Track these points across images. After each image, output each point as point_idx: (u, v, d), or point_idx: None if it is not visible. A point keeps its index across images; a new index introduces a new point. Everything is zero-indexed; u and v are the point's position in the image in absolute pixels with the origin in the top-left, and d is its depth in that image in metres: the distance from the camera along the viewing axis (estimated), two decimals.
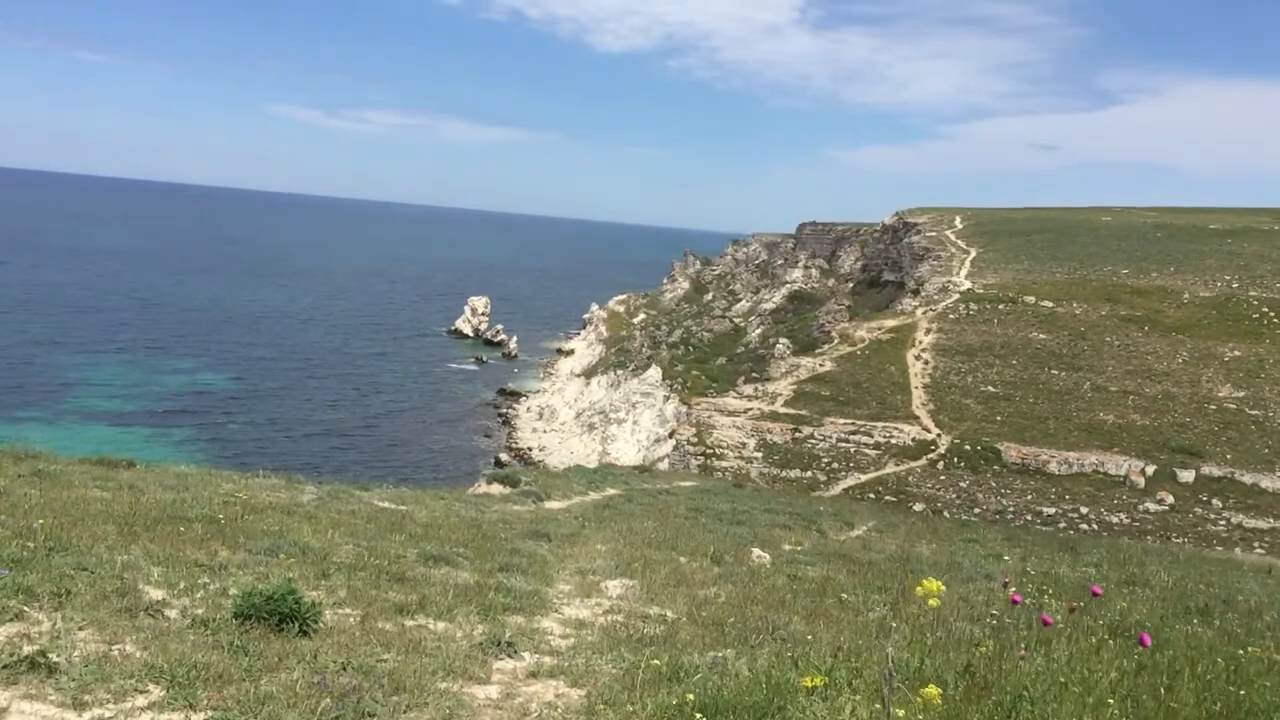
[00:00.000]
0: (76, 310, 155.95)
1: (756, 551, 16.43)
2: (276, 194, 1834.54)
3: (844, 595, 12.25)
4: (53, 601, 7.87)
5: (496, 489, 23.73)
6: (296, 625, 7.76)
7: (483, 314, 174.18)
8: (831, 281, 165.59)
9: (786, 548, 18.96)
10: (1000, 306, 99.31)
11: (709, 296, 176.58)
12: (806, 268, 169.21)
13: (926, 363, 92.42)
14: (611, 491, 26.67)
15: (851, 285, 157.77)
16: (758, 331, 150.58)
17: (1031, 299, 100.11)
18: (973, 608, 11.28)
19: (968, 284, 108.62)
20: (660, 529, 18.32)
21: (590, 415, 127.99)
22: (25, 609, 7.64)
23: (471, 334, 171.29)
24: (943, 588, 6.69)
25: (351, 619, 8.71)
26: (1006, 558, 21.41)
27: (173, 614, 8.13)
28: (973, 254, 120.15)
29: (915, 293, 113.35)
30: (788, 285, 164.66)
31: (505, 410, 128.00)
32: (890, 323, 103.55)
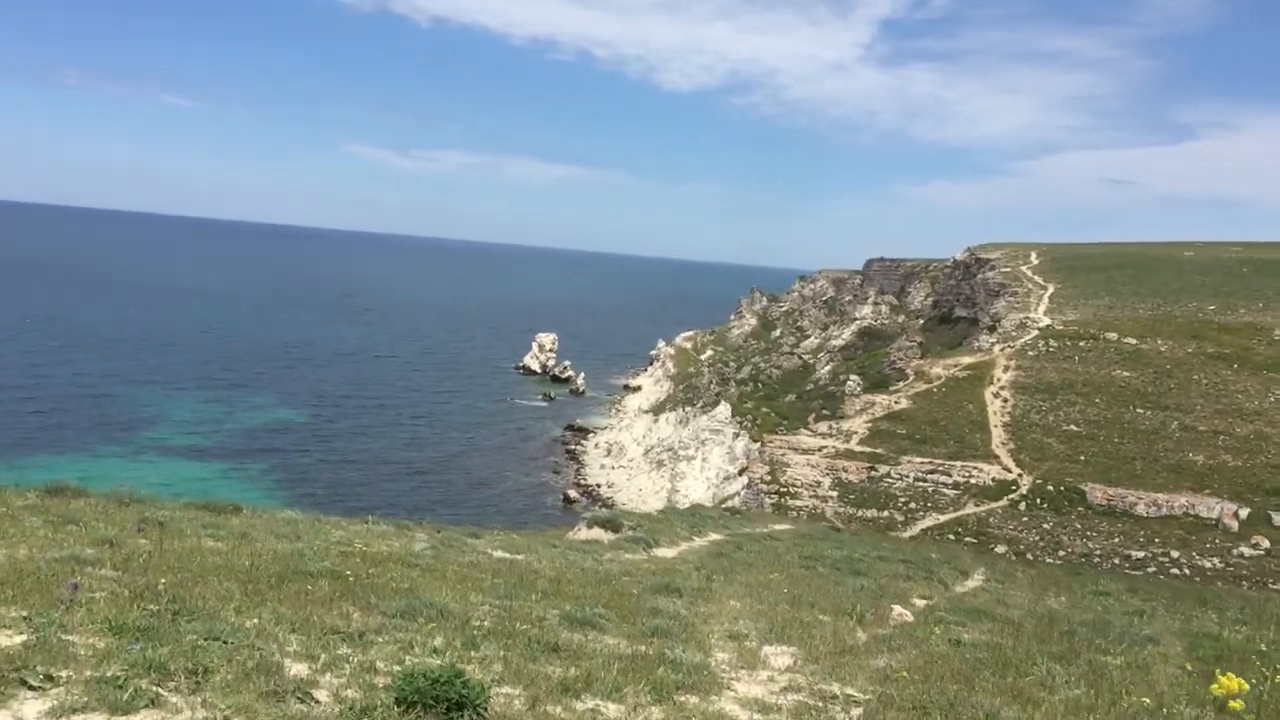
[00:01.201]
0: (158, 347, 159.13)
1: (897, 609, 15.23)
2: (350, 232, 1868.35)
3: (1028, 668, 11.05)
4: (189, 681, 6.97)
5: (599, 533, 22.75)
6: (466, 714, 6.76)
7: (550, 350, 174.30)
8: (902, 318, 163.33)
9: (919, 602, 17.72)
10: (1081, 343, 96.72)
11: (777, 333, 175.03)
12: (876, 304, 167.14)
13: (1006, 400, 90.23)
14: (715, 537, 25.56)
15: (922, 321, 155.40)
16: (827, 368, 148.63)
17: (1114, 336, 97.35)
18: (1174, 687, 10.00)
19: (1047, 320, 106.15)
20: (786, 582, 17.16)
21: (659, 452, 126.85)
22: (160, 691, 6.74)
23: (539, 370, 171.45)
24: (1245, 686, 5.53)
25: (517, 702, 7.71)
26: (1144, 613, 19.89)
27: (323, 696, 7.18)
28: (1050, 290, 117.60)
29: (991, 329, 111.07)
30: (857, 321, 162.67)
31: (573, 446, 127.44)
32: (967, 360, 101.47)
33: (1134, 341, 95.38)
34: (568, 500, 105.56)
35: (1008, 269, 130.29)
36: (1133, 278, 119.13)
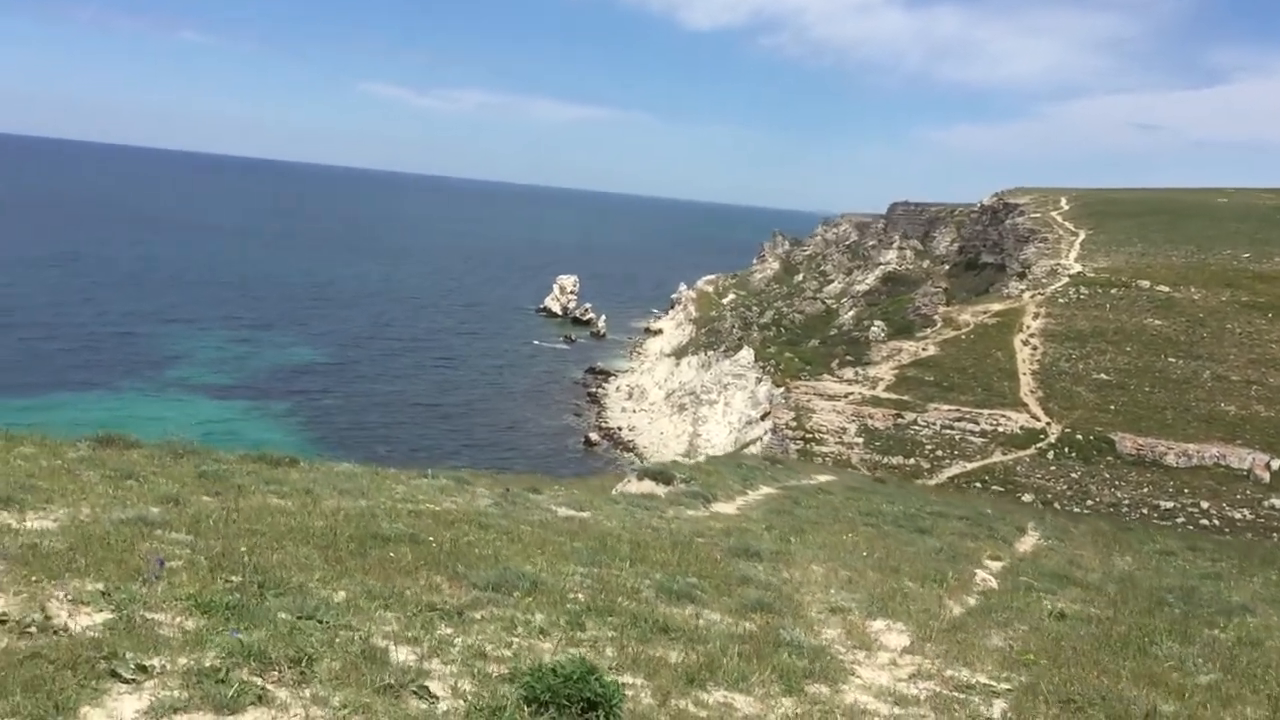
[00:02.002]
0: (179, 284, 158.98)
1: (980, 574, 14.62)
2: (368, 170, 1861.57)
3: (1148, 646, 10.40)
4: (293, 671, 6.32)
5: (650, 485, 22.17)
6: (599, 713, 6.11)
7: (571, 292, 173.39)
8: (926, 263, 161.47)
9: (992, 564, 17.11)
10: (1113, 291, 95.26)
11: (799, 277, 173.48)
12: (900, 249, 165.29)
13: (1035, 348, 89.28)
14: (767, 490, 24.99)
15: (948, 267, 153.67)
16: (851, 313, 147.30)
17: (1146, 283, 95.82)
18: None
19: (1078, 267, 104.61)
20: (859, 543, 16.52)
21: (680, 396, 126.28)
22: (265, 686, 6.09)
23: (560, 312, 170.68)
24: None
25: (645, 695, 7.07)
26: (1221, 576, 19.20)
27: (439, 689, 6.53)
28: (1081, 236, 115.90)
29: (1021, 276, 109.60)
30: (881, 266, 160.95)
31: (594, 389, 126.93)
32: (996, 306, 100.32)
33: (1166, 289, 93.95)
34: (589, 443, 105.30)
35: (1037, 214, 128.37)
36: (1166, 224, 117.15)
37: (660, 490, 21.66)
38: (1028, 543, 22.93)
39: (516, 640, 7.92)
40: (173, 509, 10.69)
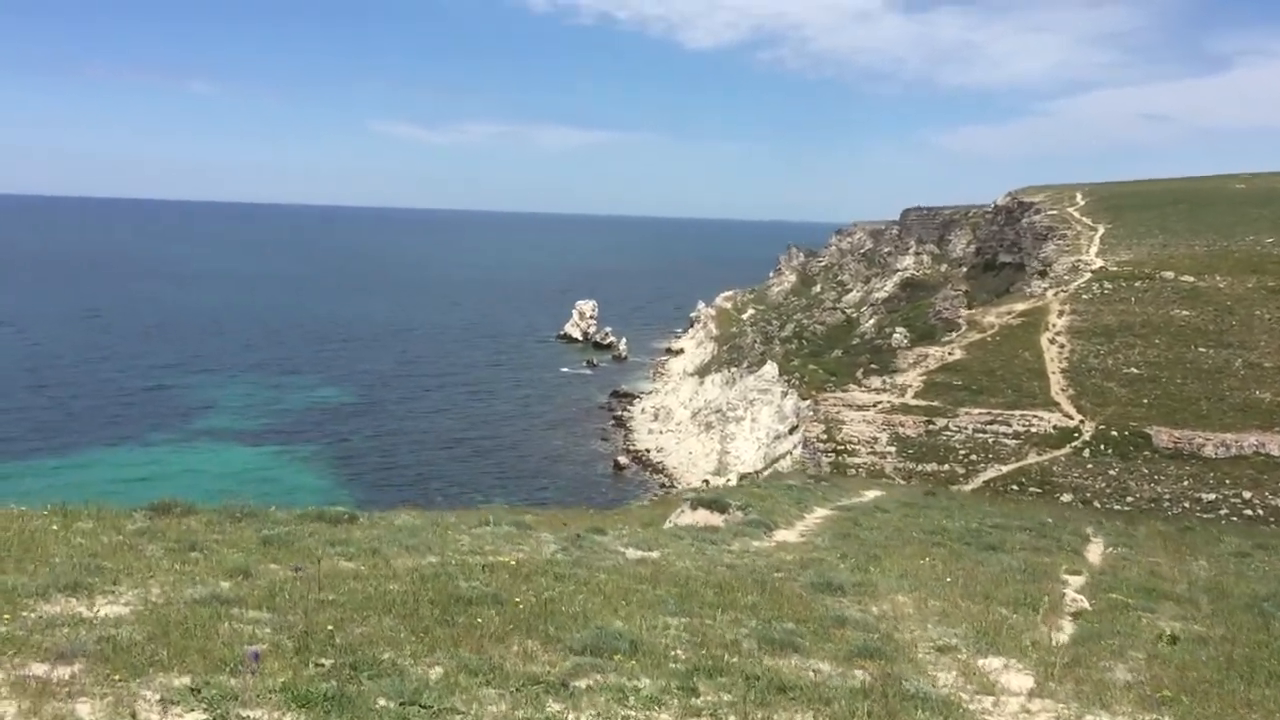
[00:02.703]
0: (200, 333, 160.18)
1: (1069, 594, 14.06)
2: (383, 209, 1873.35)
3: None
4: None
5: (705, 515, 21.65)
6: None
7: (590, 317, 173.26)
8: (944, 267, 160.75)
9: (1072, 579, 16.54)
10: (1137, 284, 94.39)
11: (817, 288, 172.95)
12: (917, 254, 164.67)
13: (1062, 346, 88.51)
14: (823, 511, 24.43)
15: (965, 269, 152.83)
16: (871, 321, 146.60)
17: (1170, 274, 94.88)
18: None
19: (1099, 262, 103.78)
20: (936, 566, 15.97)
21: (706, 414, 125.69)
22: None
23: (581, 337, 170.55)
24: None
25: None
26: None
27: None
28: (1100, 230, 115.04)
29: (1042, 274, 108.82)
30: (899, 273, 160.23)
31: (620, 412, 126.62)
32: (1020, 306, 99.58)
33: (1191, 279, 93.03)
34: (618, 467, 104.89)
35: (1054, 211, 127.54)
36: (1186, 214, 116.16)
37: (718, 519, 21.14)
38: (1095, 551, 22.30)
39: (632, 714, 7.43)
40: (244, 583, 10.27)
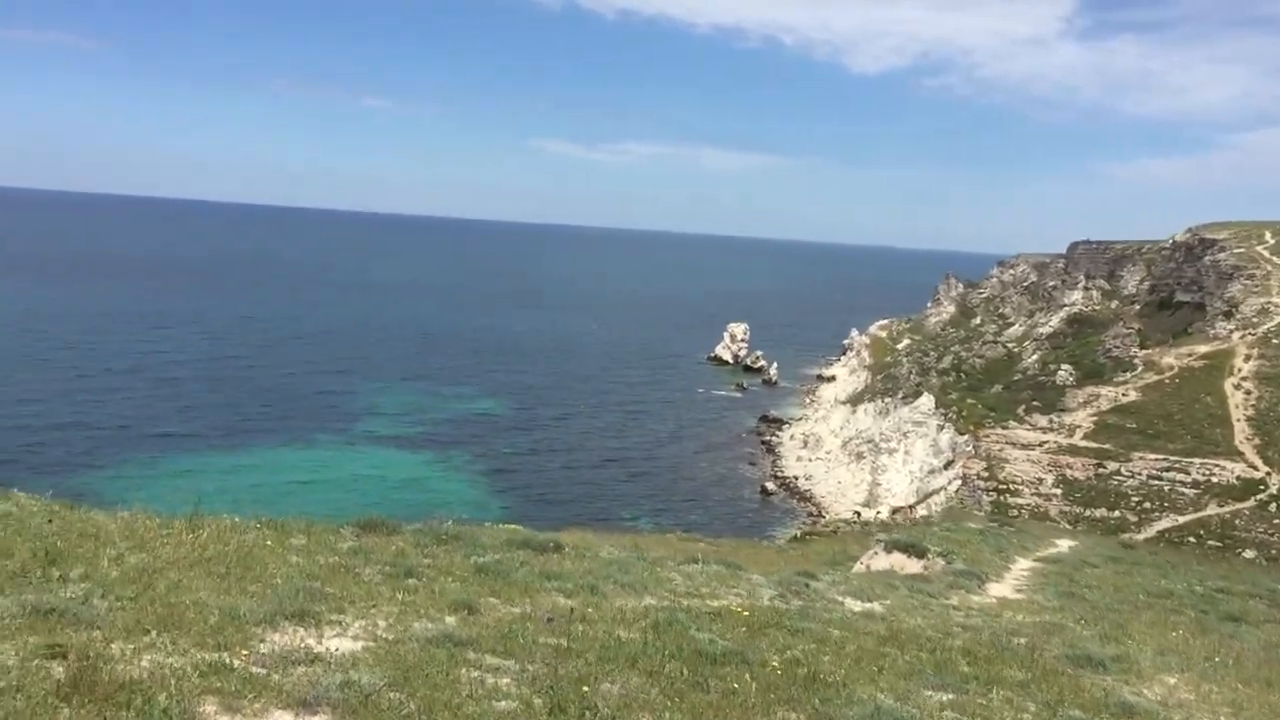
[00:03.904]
0: (365, 340, 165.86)
1: None
2: (540, 225, 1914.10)
3: None
4: None
5: (900, 559, 20.41)
6: None
7: (742, 340, 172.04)
8: (1114, 304, 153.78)
9: None
10: None
11: (977, 320, 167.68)
12: (1086, 289, 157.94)
13: (1249, 392, 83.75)
14: (1026, 563, 22.86)
15: (1138, 307, 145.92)
16: (1035, 357, 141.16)
17: None
18: None
19: None
20: (1190, 641, 14.46)
21: (858, 444, 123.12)
22: None
23: (731, 360, 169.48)
24: None
25: None
26: None
27: None
28: None
29: (1228, 315, 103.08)
30: (1066, 308, 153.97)
31: (768, 438, 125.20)
32: (1202, 348, 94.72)
33: None
34: (765, 492, 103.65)
35: (1240, 250, 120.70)
36: None
37: (915, 565, 19.88)
38: None
39: None
40: (470, 620, 9.66)
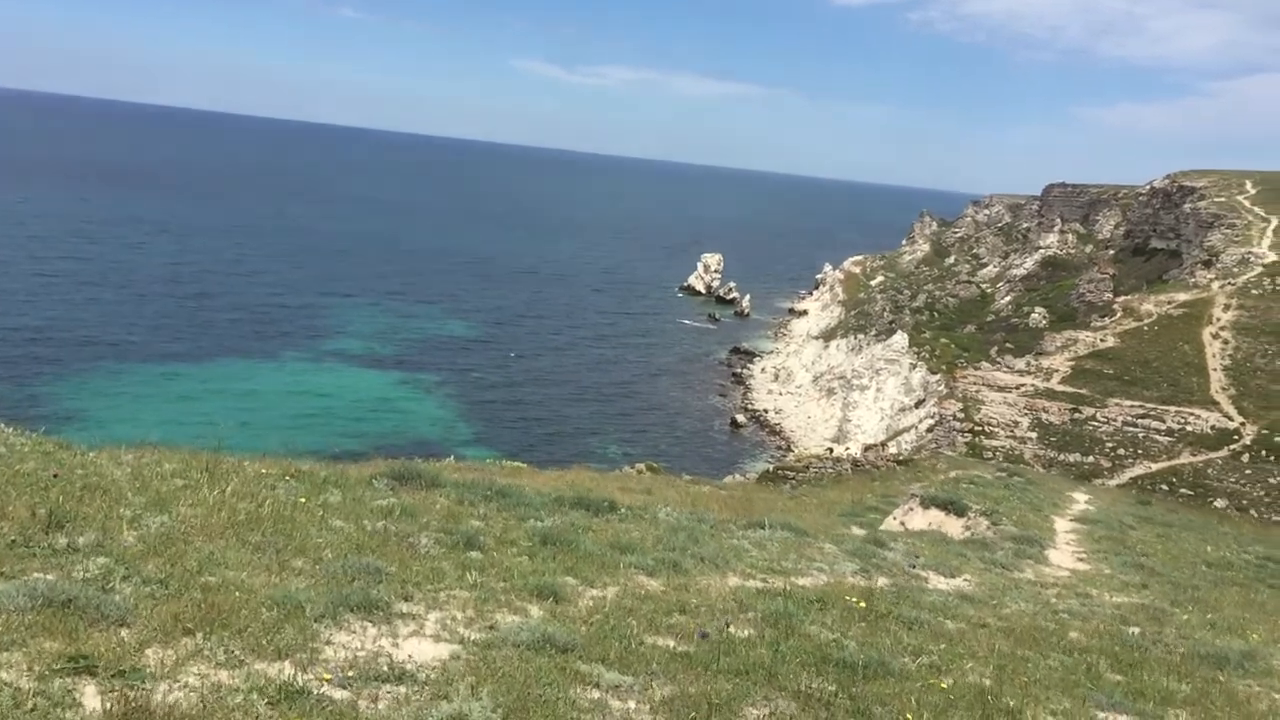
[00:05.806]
0: (338, 257, 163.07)
1: None
2: (517, 146, 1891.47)
3: None
4: None
5: (939, 516, 19.19)
6: None
7: (715, 271, 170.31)
8: (1089, 248, 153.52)
9: None
10: None
11: (951, 260, 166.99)
12: (1062, 232, 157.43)
13: (1226, 342, 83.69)
14: (1065, 524, 21.68)
15: (1112, 252, 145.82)
16: (1008, 299, 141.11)
17: None
18: None
19: (1273, 256, 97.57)
20: None
21: (829, 380, 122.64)
22: None
23: (704, 291, 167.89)
24: None
25: None
26: None
27: None
28: (1275, 222, 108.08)
29: (1207, 264, 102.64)
30: (1040, 250, 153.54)
31: (739, 370, 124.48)
32: (1181, 296, 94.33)
33: None
34: (735, 425, 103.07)
35: (1221, 199, 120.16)
36: None
37: (953, 523, 18.66)
38: None
39: None
40: (558, 611, 8.18)
